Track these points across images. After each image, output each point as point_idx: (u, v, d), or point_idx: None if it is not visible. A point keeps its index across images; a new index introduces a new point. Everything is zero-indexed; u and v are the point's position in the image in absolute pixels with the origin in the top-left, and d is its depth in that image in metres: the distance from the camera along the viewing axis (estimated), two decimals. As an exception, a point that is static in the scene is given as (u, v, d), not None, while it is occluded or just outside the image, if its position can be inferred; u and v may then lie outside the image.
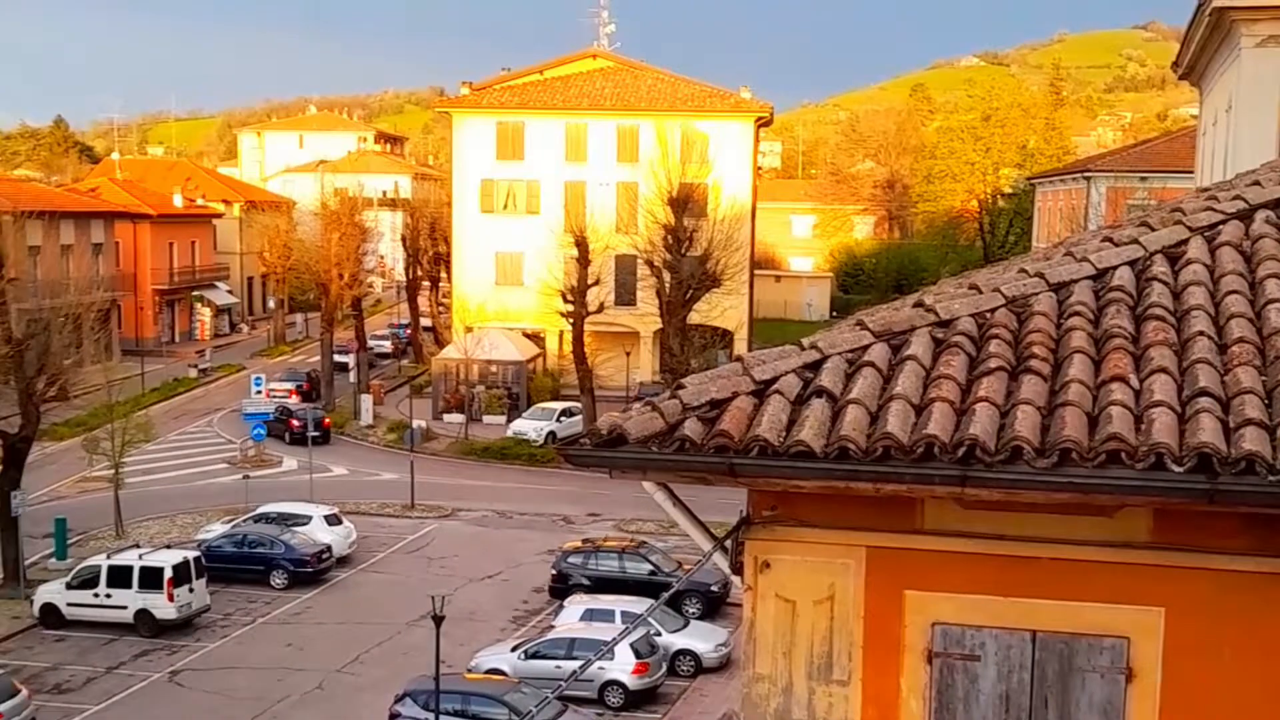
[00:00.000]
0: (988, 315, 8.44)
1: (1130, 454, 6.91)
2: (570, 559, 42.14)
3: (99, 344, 75.09)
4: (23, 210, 58.98)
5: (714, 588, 39.66)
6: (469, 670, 34.27)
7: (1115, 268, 8.92)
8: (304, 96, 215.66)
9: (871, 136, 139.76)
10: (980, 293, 8.71)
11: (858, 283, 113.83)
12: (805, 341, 8.33)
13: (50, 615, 39.16)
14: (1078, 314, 8.30)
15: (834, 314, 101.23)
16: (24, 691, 32.11)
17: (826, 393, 7.67)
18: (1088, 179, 66.72)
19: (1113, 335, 7.99)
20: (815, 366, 8.02)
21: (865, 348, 8.17)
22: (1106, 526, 7.55)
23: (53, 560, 44.63)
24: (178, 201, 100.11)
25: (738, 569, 8.35)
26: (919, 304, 8.70)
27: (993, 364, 7.78)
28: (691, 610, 39.26)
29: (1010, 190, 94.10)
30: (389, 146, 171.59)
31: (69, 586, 39.44)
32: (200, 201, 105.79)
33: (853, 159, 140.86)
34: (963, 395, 7.56)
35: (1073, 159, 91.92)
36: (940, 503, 7.65)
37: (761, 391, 7.81)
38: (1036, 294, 8.65)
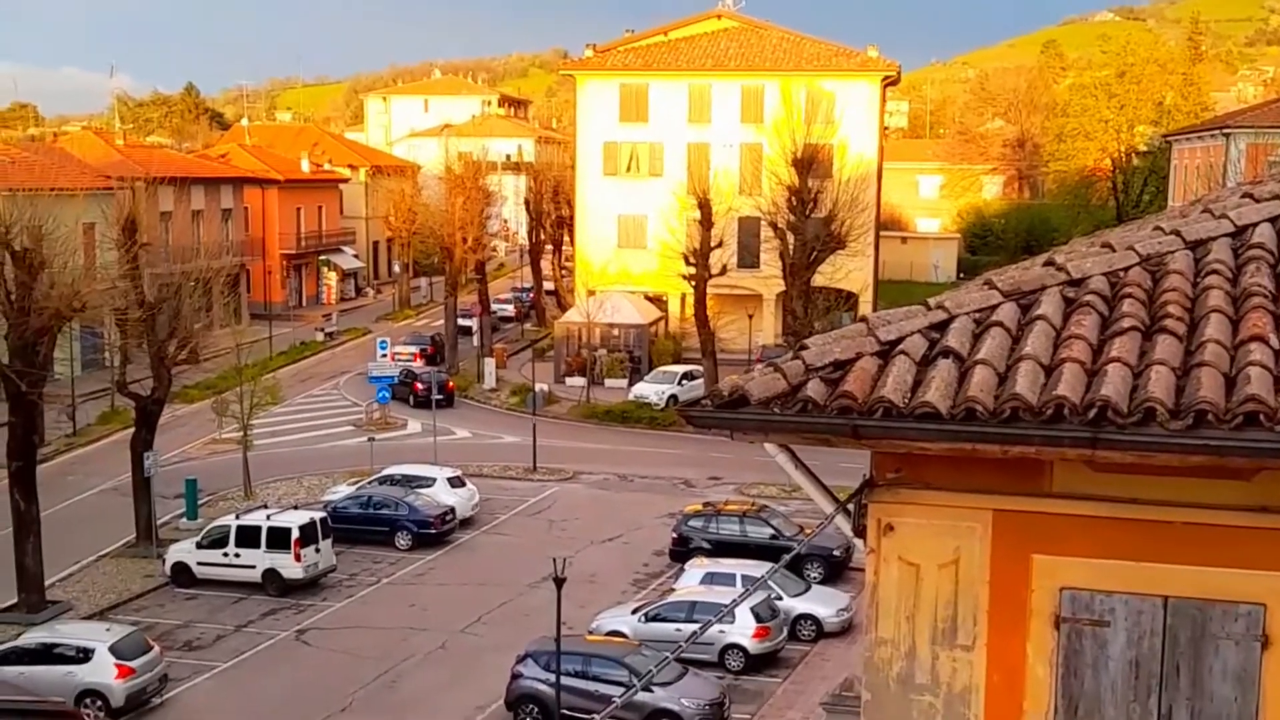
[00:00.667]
0: (1121, 274, 8.26)
1: (1269, 416, 6.73)
2: (691, 522, 42.19)
3: (228, 308, 76.70)
4: (155, 176, 60.26)
5: (836, 552, 39.51)
6: (590, 632, 34.47)
7: (1255, 224, 8.67)
8: (429, 61, 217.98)
9: (1001, 95, 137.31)
10: (1113, 251, 8.53)
11: (986, 244, 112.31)
12: (931, 301, 8.22)
13: (181, 574, 40.10)
14: (1215, 272, 8.09)
15: (961, 275, 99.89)
16: (156, 648, 32.96)
17: (953, 353, 7.57)
18: (1227, 135, 64.96)
19: (1252, 294, 7.78)
20: (942, 327, 7.91)
21: (993, 307, 8.04)
22: (1243, 490, 7.37)
23: (184, 520, 45.68)
24: (305, 167, 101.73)
25: (861, 532, 8.29)
26: (1049, 263, 8.54)
27: (1126, 324, 7.62)
28: (813, 574, 39.15)
29: (1145, 148, 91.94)
30: (513, 110, 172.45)
31: (199, 546, 40.33)
32: (327, 166, 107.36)
33: (981, 118, 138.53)
34: (1094, 356, 7.42)
35: (1211, 115, 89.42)
36: (1070, 465, 7.51)
37: (886, 352, 7.73)
38: (1172, 252, 8.45)
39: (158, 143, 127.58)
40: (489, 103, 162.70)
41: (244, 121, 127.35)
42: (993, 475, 7.69)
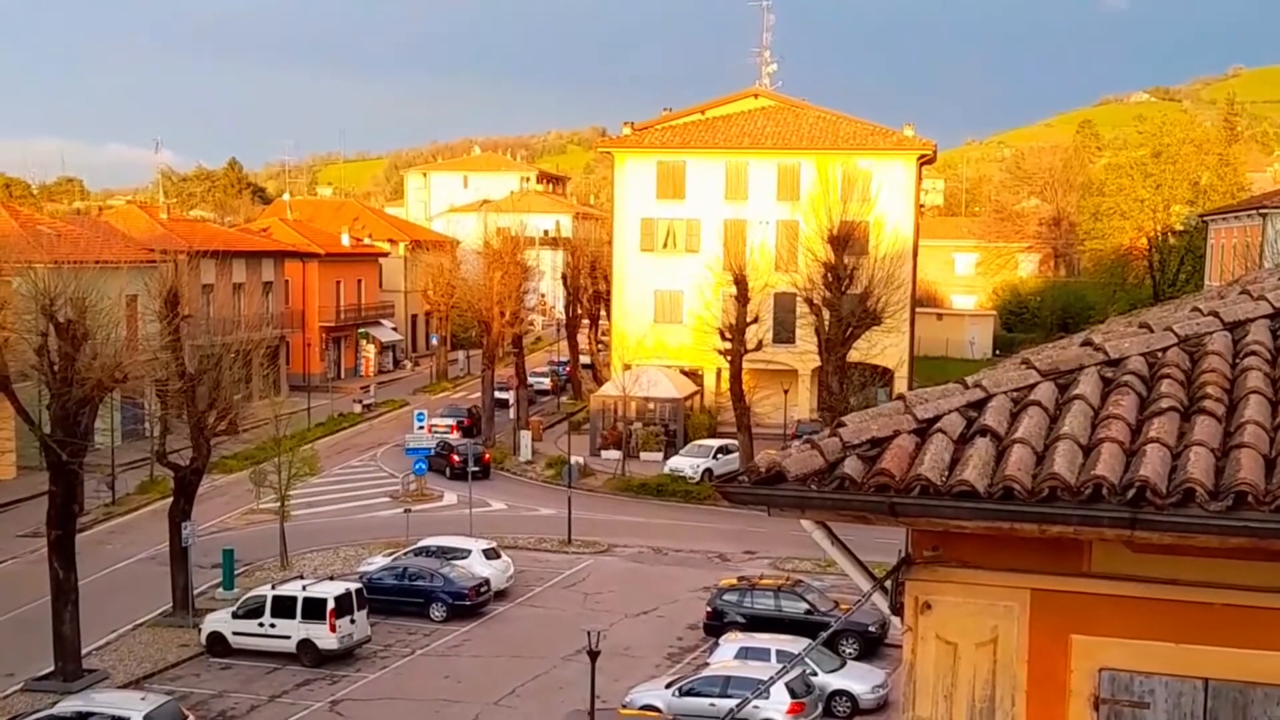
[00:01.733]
0: (1159, 354, 8.24)
1: (1310, 498, 6.67)
2: (725, 596, 41.96)
3: (267, 379, 77.19)
4: (197, 250, 60.87)
5: (871, 628, 39.18)
6: (623, 706, 34.23)
7: (1294, 306, 8.64)
8: (469, 138, 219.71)
9: (1037, 173, 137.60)
10: (1151, 331, 8.51)
11: (1021, 321, 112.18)
12: (969, 380, 8.22)
13: (217, 643, 40.06)
14: (1254, 353, 8.06)
15: (997, 352, 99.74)
16: (190, 718, 32.91)
17: (991, 432, 7.55)
18: (1264, 215, 64.76)
19: (1291, 375, 7.74)
20: (979, 405, 7.90)
21: (1031, 386, 8.02)
22: (1285, 573, 7.29)
23: (220, 590, 45.70)
24: (345, 241, 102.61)
25: (897, 609, 8.23)
26: (1087, 342, 8.53)
27: (1164, 404, 7.59)
28: (848, 650, 38.80)
29: (1182, 227, 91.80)
30: (551, 186, 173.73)
31: (235, 616, 40.31)
32: (367, 241, 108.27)
33: (1017, 196, 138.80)
34: (1133, 436, 7.38)
35: (1248, 195, 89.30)
36: (1109, 545, 7.45)
37: (924, 430, 7.71)
38: (1210, 333, 8.42)
39: (201, 217, 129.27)
40: (527, 179, 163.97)
41: (286, 196, 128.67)
42: (1031, 554, 7.64)
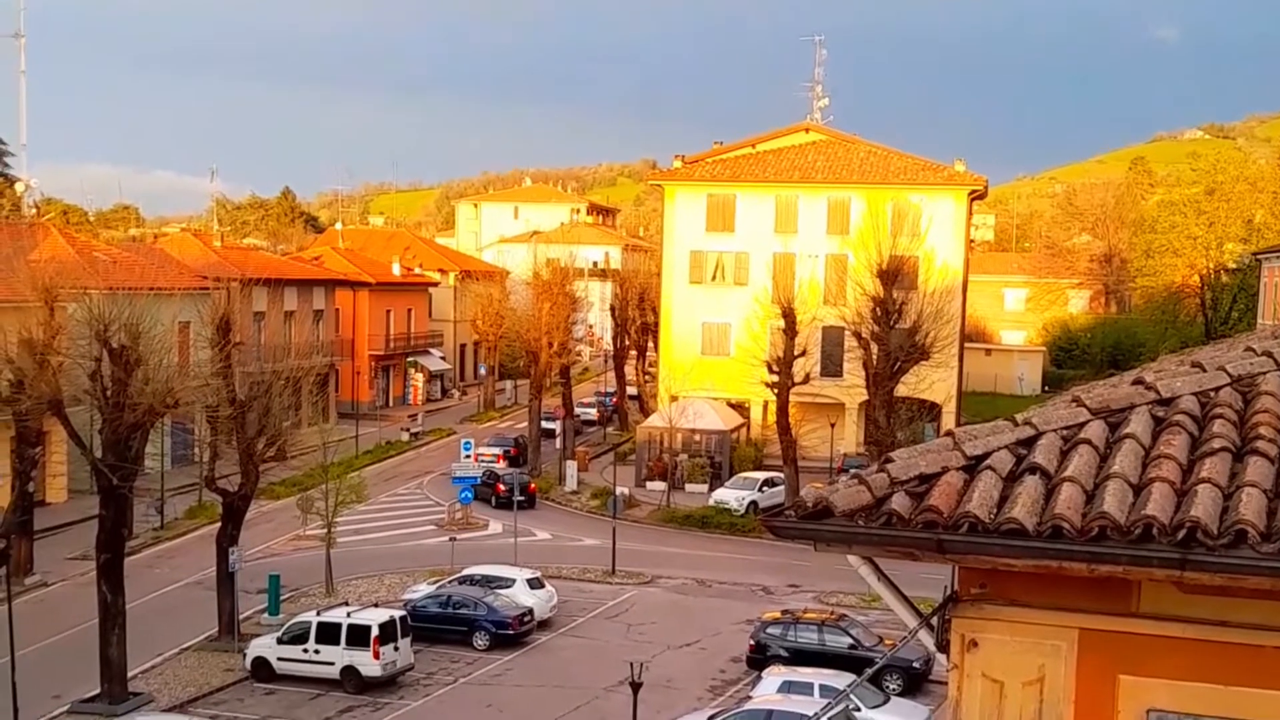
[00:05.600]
0: (1211, 394, 8.18)
1: (1364, 541, 6.59)
2: (769, 629, 41.76)
3: (316, 407, 77.68)
4: (249, 278, 61.37)
5: (916, 664, 38.89)
6: (667, 740, 34.09)
7: (1348, 346, 8.56)
8: (520, 169, 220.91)
9: (1088, 210, 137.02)
10: (1204, 371, 8.45)
11: (1071, 357, 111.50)
12: (1019, 417, 8.18)
13: (261, 669, 40.21)
14: (1308, 394, 7.98)
15: (1046, 389, 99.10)
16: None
17: (1040, 470, 7.51)
18: (1318, 255, 64.25)
19: (1345, 417, 7.65)
20: (1029, 443, 7.86)
21: (1081, 425, 7.98)
22: (1338, 617, 7.20)
23: (265, 615, 45.88)
24: (396, 270, 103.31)
25: (943, 646, 8.17)
26: (1138, 381, 8.47)
27: (1216, 444, 7.52)
28: (892, 686, 38.49)
29: (1235, 266, 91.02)
30: (601, 218, 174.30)
31: (280, 641, 40.45)
32: (417, 270, 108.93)
33: (1068, 232, 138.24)
34: (1184, 476, 7.32)
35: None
36: (1158, 586, 7.38)
37: (972, 467, 7.67)
38: (1264, 373, 8.35)
39: (254, 245, 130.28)
40: (578, 210, 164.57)
41: (338, 225, 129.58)
42: (1079, 594, 7.58)
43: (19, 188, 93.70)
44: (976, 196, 77.97)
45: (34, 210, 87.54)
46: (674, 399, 72.28)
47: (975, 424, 8.33)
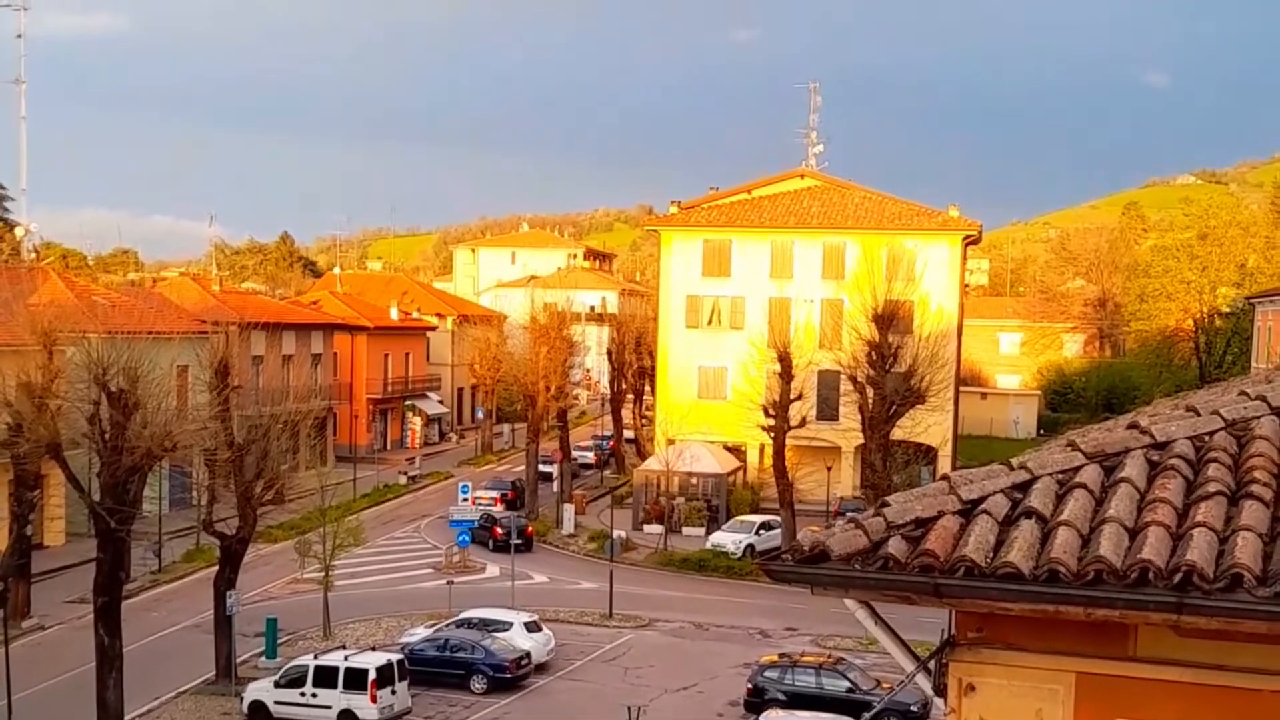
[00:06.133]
0: (1206, 438, 8.19)
1: (1360, 585, 6.58)
2: (767, 673, 41.60)
3: (314, 450, 77.65)
4: (248, 322, 61.44)
5: (913, 707, 38.67)
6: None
7: (1342, 391, 8.57)
8: (517, 215, 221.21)
9: (1082, 254, 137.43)
10: (1198, 415, 8.46)
11: (1066, 401, 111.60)
12: (1014, 461, 8.18)
13: (258, 712, 40.01)
14: (1302, 438, 7.99)
15: (1041, 432, 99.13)
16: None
17: (1036, 514, 7.51)
18: (1311, 299, 64.39)
19: (1339, 461, 7.65)
20: (1024, 487, 7.87)
21: (1077, 469, 7.98)
22: (1334, 661, 7.18)
23: (263, 659, 45.70)
24: (394, 315, 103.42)
25: (941, 691, 8.15)
26: (1133, 425, 8.48)
27: (1211, 488, 7.53)
28: (891, 732, 38.35)
29: (1228, 310, 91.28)
30: (598, 263, 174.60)
31: (277, 685, 40.30)
32: (415, 315, 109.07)
33: (1062, 277, 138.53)
34: (1179, 520, 7.32)
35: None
36: (1155, 630, 7.37)
37: (968, 511, 7.67)
38: (1258, 417, 8.36)
39: (252, 289, 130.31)
40: (574, 255, 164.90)
41: (336, 270, 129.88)
42: (1076, 637, 7.56)
43: (19, 232, 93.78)
44: (971, 241, 78.18)
45: (33, 254, 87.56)
46: (671, 442, 72.24)
47: (971, 468, 8.33)
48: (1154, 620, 7.05)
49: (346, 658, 40.21)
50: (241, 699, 40.67)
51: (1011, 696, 7.82)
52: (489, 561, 61.93)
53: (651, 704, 39.57)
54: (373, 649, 43.44)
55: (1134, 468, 7.88)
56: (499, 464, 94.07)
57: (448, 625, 47.23)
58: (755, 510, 69.14)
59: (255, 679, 42.07)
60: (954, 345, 72.43)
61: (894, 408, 58.21)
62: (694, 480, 70.47)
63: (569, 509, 70.82)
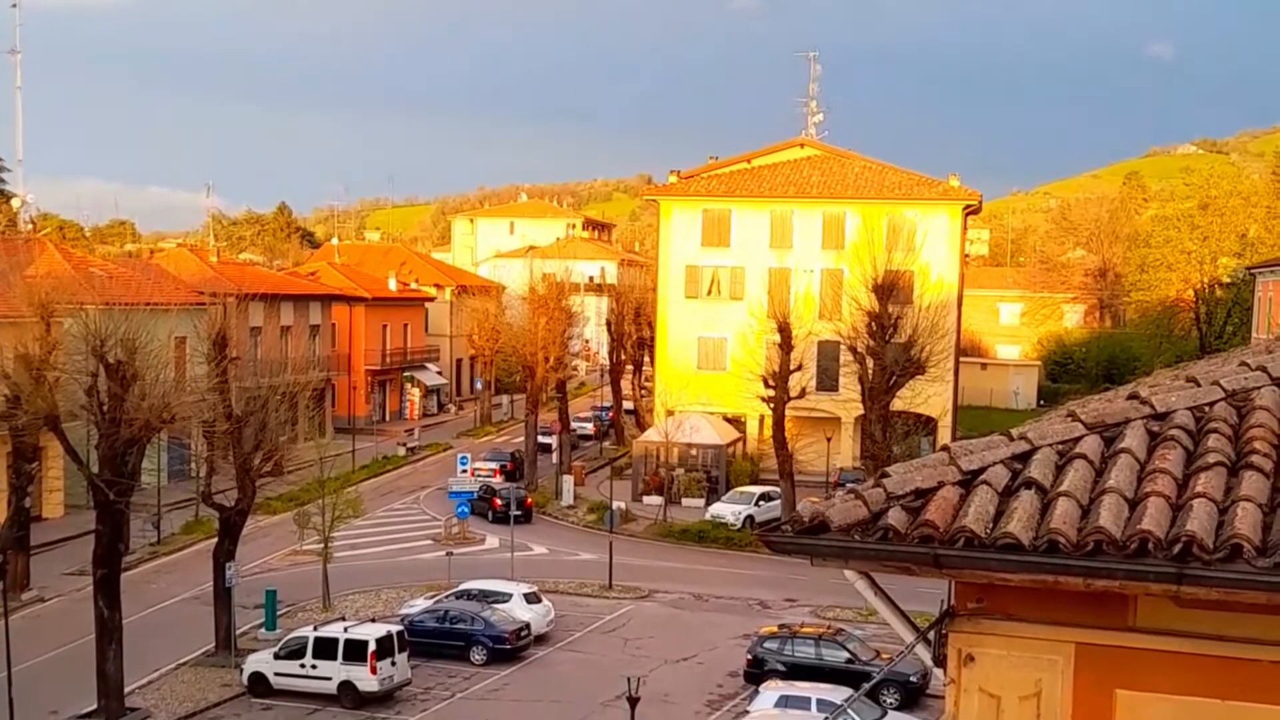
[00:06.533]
0: (1206, 409, 8.18)
1: (1359, 555, 6.58)
2: (766, 644, 41.72)
3: (313, 421, 77.63)
4: (246, 293, 61.32)
5: (913, 678, 38.85)
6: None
7: (1342, 361, 8.56)
8: (515, 185, 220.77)
9: (1083, 224, 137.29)
10: (1198, 386, 8.45)
11: (1066, 371, 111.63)
12: (1014, 432, 8.18)
13: (258, 684, 40.16)
14: (1302, 408, 7.98)
15: (1041, 402, 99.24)
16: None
17: (1036, 484, 7.51)
18: (1312, 269, 64.30)
19: (1340, 431, 7.65)
20: (1024, 458, 7.86)
21: (1077, 439, 7.98)
22: (1333, 631, 7.20)
23: (263, 630, 45.82)
24: (392, 285, 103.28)
25: (941, 662, 8.16)
26: (1133, 396, 8.47)
27: (1211, 459, 7.52)
28: (889, 701, 38.46)
29: (1229, 280, 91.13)
30: (596, 233, 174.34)
31: (277, 656, 40.42)
32: (413, 285, 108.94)
33: (1063, 247, 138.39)
34: (1179, 491, 7.32)
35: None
36: (1154, 600, 7.37)
37: (968, 482, 7.67)
38: (1258, 388, 8.35)
39: (250, 260, 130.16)
40: (573, 226, 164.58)
41: (334, 240, 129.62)
42: (1075, 608, 7.57)
43: (15, 203, 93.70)
44: (971, 211, 78.05)
45: (30, 226, 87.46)
46: (670, 413, 72.28)
47: (971, 438, 8.33)
48: (1154, 591, 7.05)
49: (346, 629, 40.31)
50: (241, 670, 40.79)
51: (1011, 667, 7.83)
52: (488, 533, 62.04)
53: (651, 674, 39.69)
54: (372, 620, 43.60)
55: (1134, 438, 7.88)
56: (498, 435, 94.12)
57: (447, 597, 47.33)
58: (755, 481, 69.23)
59: (255, 650, 42.19)
60: (954, 315, 72.39)
61: (894, 378, 58.21)
62: (693, 451, 70.54)
63: (568, 480, 70.90)
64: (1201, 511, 7.01)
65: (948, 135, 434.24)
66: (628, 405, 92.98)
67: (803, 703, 35.57)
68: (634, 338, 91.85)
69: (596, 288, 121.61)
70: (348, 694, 39.07)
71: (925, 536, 7.29)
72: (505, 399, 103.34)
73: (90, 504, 40.67)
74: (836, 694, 35.34)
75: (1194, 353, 72.39)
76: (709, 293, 76.35)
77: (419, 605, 47.23)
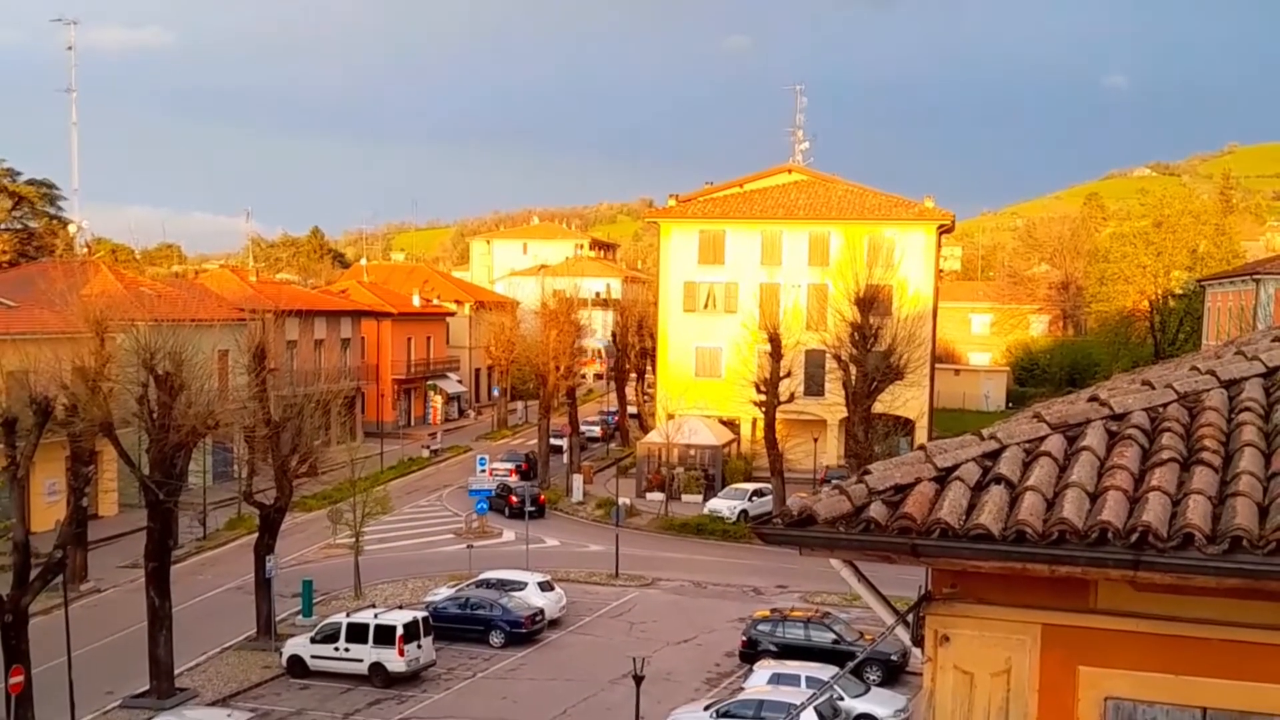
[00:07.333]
0: (1160, 409, 8.21)
1: (1300, 543, 6.60)
2: (759, 626, 41.73)
3: (344, 426, 77.56)
4: (282, 310, 61.37)
5: (894, 657, 38.83)
6: (667, 729, 34.00)
7: (1284, 365, 8.58)
8: (528, 208, 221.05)
9: (1047, 242, 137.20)
10: (1153, 388, 8.48)
11: (1032, 376, 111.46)
12: (984, 432, 8.21)
13: (296, 666, 40.17)
14: (1248, 409, 8.01)
15: (1010, 405, 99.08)
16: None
17: (1005, 480, 7.54)
18: (1257, 280, 64.23)
19: (1282, 429, 7.68)
20: (994, 455, 7.89)
21: (1042, 439, 8.01)
22: (1276, 611, 7.21)
23: (300, 617, 45.80)
24: (416, 301, 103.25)
25: (919, 641, 8.19)
26: (1093, 398, 8.50)
27: (1165, 455, 7.55)
28: (872, 677, 38.44)
29: (1181, 291, 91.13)
30: (602, 252, 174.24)
31: (313, 640, 40.41)
32: (435, 301, 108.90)
33: (1029, 262, 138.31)
34: (1135, 484, 7.35)
35: (1242, 262, 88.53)
36: (1113, 584, 7.40)
37: (943, 478, 7.70)
38: (1208, 390, 8.38)
39: (286, 279, 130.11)
40: (581, 246, 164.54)
41: (363, 261, 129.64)
42: (1041, 592, 7.59)
43: (71, 229, 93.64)
44: (945, 230, 78.03)
45: (85, 249, 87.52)
46: (671, 417, 72.24)
47: (945, 438, 8.36)
48: (1113, 576, 7.08)
49: (376, 615, 40.31)
50: (280, 653, 40.81)
51: (983, 646, 7.85)
52: (505, 527, 62.00)
53: (655, 655, 39.66)
54: (400, 607, 43.57)
55: (1094, 437, 7.90)
56: (513, 438, 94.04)
57: (468, 585, 47.32)
58: (748, 479, 69.16)
59: (293, 635, 42.22)
60: (929, 326, 72.39)
61: (875, 384, 58.20)
62: (692, 451, 70.49)
63: (578, 479, 70.87)
64: (1156, 504, 7.04)
65: (923, 160, 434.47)
66: (632, 410, 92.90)
67: (793, 680, 35.60)
68: (637, 348, 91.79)
69: (603, 303, 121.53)
70: (378, 674, 39.07)
71: (904, 528, 7.32)
72: (520, 405, 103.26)
73: (142, 503, 40.65)
74: (824, 672, 35.37)
75: (1149, 358, 72.41)
76: (705, 307, 76.33)
77: (442, 593, 47.23)
